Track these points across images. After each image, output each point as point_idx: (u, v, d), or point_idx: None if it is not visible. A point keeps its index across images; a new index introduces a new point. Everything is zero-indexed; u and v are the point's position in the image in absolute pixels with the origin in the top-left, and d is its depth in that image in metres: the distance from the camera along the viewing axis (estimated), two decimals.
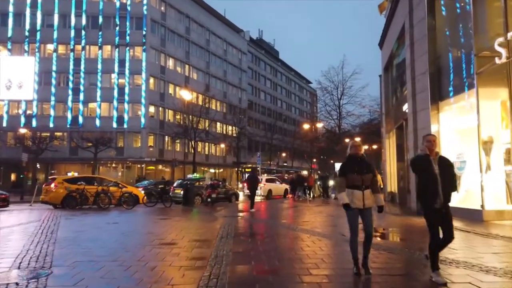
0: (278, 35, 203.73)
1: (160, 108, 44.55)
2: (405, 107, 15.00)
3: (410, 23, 13.53)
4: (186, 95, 18.72)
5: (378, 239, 8.11)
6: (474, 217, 10.16)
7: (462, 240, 7.48)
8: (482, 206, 10.02)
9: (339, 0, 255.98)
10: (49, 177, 20.98)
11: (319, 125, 32.74)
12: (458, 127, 11.37)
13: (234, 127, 52.82)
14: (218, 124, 54.62)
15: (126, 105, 41.90)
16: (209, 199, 18.33)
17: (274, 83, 75.40)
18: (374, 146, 46.35)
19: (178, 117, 44.50)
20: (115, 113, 41.78)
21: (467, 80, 10.81)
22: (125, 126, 41.64)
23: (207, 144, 52.05)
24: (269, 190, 26.65)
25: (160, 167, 45.04)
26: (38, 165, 40.15)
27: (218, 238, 7.81)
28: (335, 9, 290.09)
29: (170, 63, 46.72)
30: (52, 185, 16.29)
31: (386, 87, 20.14)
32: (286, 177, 27.65)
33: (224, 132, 54.87)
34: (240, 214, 14.02)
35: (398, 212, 14.37)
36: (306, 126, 36.19)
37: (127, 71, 41.96)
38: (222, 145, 53.35)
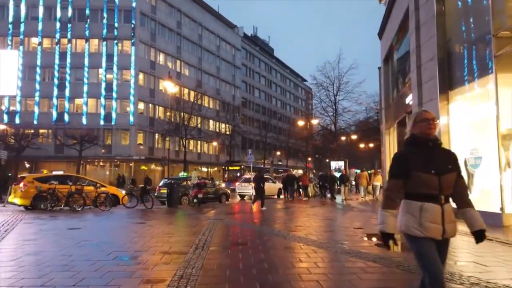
0: (273, 33, 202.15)
1: (150, 105, 43.01)
2: (409, 99, 13.68)
3: (415, 5, 12.19)
4: (169, 86, 17.33)
5: (386, 250, 6.78)
6: (491, 221, 8.83)
7: (488, 251, 6.14)
8: (502, 208, 8.72)
9: None
10: (19, 176, 19.42)
11: (314, 121, 31.36)
12: (471, 119, 10.05)
13: (227, 125, 51.38)
14: (211, 121, 53.19)
15: (114, 102, 40.34)
16: (195, 200, 16.92)
17: (269, 81, 74.02)
18: (371, 144, 45.22)
19: (168, 114, 43.00)
20: (102, 110, 40.23)
21: (483, 65, 9.49)
22: (113, 123, 40.08)
23: (199, 142, 50.62)
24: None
25: (152, 166, 43.53)
26: (27, 164, 38.59)
27: (193, 248, 6.44)
28: (331, 6, 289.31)
29: (161, 58, 45.17)
30: (21, 185, 14.78)
31: (386, 80, 18.84)
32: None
33: (217, 130, 53.44)
34: (227, 216, 12.63)
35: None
36: (301, 123, 34.71)
37: (115, 66, 40.39)
38: (215, 143, 51.95)
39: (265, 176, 28.00)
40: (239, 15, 75.70)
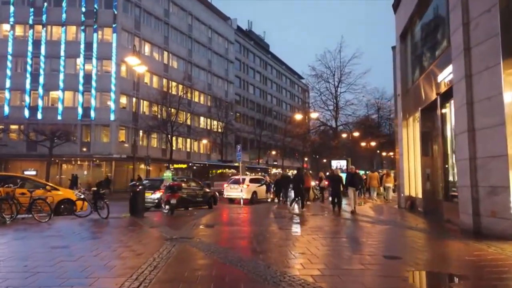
0: (268, 29, 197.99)
1: (134, 99, 39.40)
2: (444, 75, 10.35)
3: None
4: (133, 63, 13.93)
5: None
6: None
7: None
8: None
9: None
10: None
11: (314, 115, 27.95)
12: None
13: (219, 122, 47.83)
14: (202, 118, 49.70)
15: (93, 94, 36.72)
16: (167, 207, 13.48)
17: (264, 77, 70.59)
18: (373, 143, 42.01)
19: (155, 109, 39.51)
20: (80, 104, 36.61)
21: None
22: (92, 118, 36.47)
23: (188, 140, 47.12)
24: (253, 193, 21.98)
25: (142, 165, 39.84)
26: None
27: None
28: (331, 3, 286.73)
29: (146, 48, 41.63)
30: None
31: (403, 60, 15.51)
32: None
33: (208, 128, 49.94)
34: (201, 232, 9.24)
35: (430, 229, 9.71)
36: (298, 117, 31.20)
37: (94, 56, 36.80)
38: (204, 141, 48.47)
39: (257, 177, 24.72)
40: (233, 9, 71.71)
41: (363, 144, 41.60)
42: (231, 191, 22.09)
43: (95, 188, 12.19)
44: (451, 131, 10.55)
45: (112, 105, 36.83)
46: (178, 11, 46.64)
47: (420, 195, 13.67)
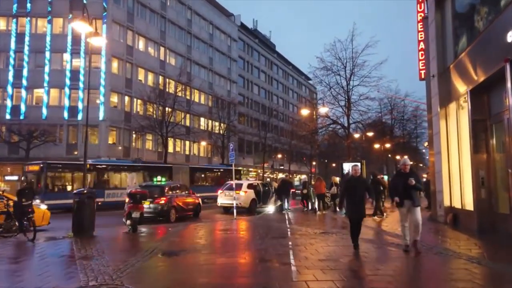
0: (274, 32, 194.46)
1: (126, 97, 36.30)
2: None
3: None
4: (81, 28, 10.76)
5: None
6: None
7: None
8: None
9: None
10: None
11: (323, 109, 24.35)
12: None
13: (221, 124, 44.47)
14: (202, 119, 46.43)
15: (81, 92, 33.66)
16: (128, 222, 10.11)
17: (269, 77, 67.11)
18: (388, 145, 38.24)
19: (150, 109, 36.33)
20: (66, 102, 33.59)
21: None
22: (79, 118, 33.40)
23: (187, 142, 43.87)
24: (252, 200, 18.67)
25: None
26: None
27: None
28: (336, 9, 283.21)
29: (140, 43, 38.57)
30: None
31: (440, 30, 12.00)
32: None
33: (210, 129, 46.65)
34: (146, 272, 5.85)
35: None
36: (305, 112, 27.57)
37: (82, 50, 33.81)
38: (203, 143, 45.14)
39: (256, 183, 21.23)
40: (237, 8, 67.79)
41: (376, 146, 37.85)
42: (225, 198, 18.80)
43: (15, 199, 8.82)
44: None
45: (102, 102, 33.75)
46: (176, 4, 43.59)
47: (469, 207, 10.10)
